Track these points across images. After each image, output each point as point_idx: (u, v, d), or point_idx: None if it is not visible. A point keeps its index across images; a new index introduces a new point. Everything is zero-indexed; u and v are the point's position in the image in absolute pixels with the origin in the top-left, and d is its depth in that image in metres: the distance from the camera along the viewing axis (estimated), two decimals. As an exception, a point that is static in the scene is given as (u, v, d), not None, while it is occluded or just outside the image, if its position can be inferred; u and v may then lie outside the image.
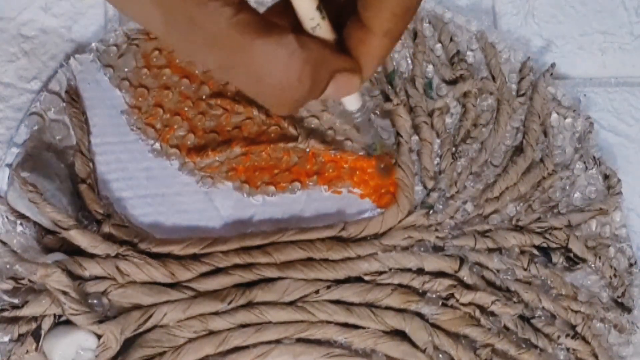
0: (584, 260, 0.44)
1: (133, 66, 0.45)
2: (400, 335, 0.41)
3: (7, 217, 0.41)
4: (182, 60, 0.46)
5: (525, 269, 0.43)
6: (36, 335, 0.38)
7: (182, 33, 0.24)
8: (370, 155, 0.39)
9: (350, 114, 0.33)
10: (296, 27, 0.25)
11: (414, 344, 0.41)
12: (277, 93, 0.25)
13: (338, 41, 0.27)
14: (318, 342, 0.41)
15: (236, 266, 0.41)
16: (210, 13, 0.23)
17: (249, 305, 0.40)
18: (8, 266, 0.40)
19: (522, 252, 0.44)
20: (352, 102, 0.32)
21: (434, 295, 0.42)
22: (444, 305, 0.42)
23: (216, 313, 0.40)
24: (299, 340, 0.40)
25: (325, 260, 0.42)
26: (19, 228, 0.41)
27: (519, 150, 0.46)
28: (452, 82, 0.47)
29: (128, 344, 0.39)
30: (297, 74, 0.25)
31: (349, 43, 0.27)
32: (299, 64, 0.24)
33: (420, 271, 0.43)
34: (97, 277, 0.40)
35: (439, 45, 0.48)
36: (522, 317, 0.42)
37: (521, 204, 0.45)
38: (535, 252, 0.44)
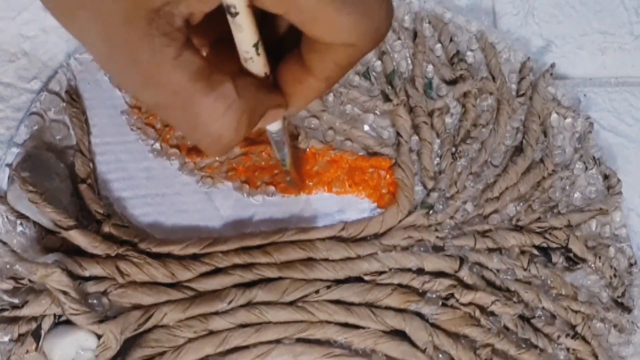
0: (584, 260, 0.44)
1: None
2: (400, 335, 0.41)
3: (7, 217, 0.41)
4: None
5: (525, 269, 0.43)
6: (36, 335, 0.38)
7: (123, 65, 0.23)
8: (283, 168, 0.41)
9: (274, 134, 0.34)
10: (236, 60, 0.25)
11: (414, 344, 0.41)
12: (212, 140, 0.25)
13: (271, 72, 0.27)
14: (318, 342, 0.41)
15: (236, 266, 0.41)
16: (154, 50, 0.22)
17: (249, 305, 0.40)
18: (8, 266, 0.40)
19: (522, 252, 0.44)
20: (272, 126, 0.33)
21: (434, 295, 0.42)
22: (444, 305, 0.42)
23: (216, 313, 0.40)
24: (299, 340, 0.40)
25: (325, 260, 0.42)
26: (19, 228, 0.41)
27: (519, 150, 0.46)
28: (452, 82, 0.47)
29: (128, 344, 0.39)
30: (234, 125, 0.25)
31: (284, 78, 0.27)
32: (236, 116, 0.24)
33: (420, 271, 0.43)
34: (97, 277, 0.40)
35: (439, 45, 0.48)
36: (522, 317, 0.42)
37: (521, 204, 0.45)
38: (535, 252, 0.44)
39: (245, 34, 0.24)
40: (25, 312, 0.39)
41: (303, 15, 0.23)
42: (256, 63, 0.25)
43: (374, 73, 0.47)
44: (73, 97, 0.44)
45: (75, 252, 0.40)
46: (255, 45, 0.25)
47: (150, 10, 0.22)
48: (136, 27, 0.22)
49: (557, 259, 0.44)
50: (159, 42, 0.22)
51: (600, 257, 0.44)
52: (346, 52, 0.25)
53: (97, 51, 0.24)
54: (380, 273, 0.42)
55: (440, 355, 0.41)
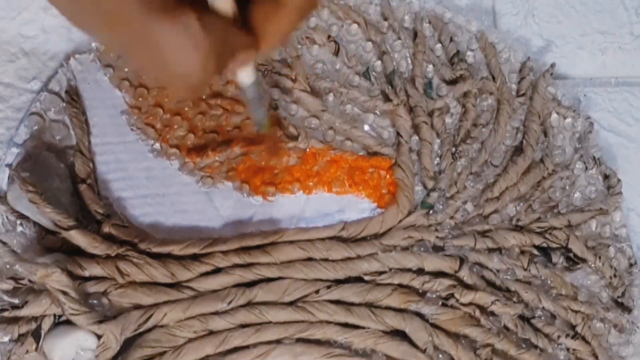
0: (584, 260, 0.44)
1: (133, 66, 0.46)
2: (400, 335, 0.41)
3: (7, 217, 0.41)
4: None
5: (525, 269, 0.43)
6: (36, 335, 0.38)
7: (85, 7, 0.23)
8: (259, 132, 0.40)
9: (249, 89, 0.33)
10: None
11: (414, 344, 0.41)
12: (181, 79, 0.25)
13: (240, 12, 0.26)
14: (318, 342, 0.41)
15: (236, 266, 0.41)
16: None
17: (249, 305, 0.40)
18: (8, 266, 0.40)
19: (522, 252, 0.44)
20: (246, 76, 0.32)
21: (434, 295, 0.42)
22: (444, 305, 0.42)
23: (216, 313, 0.40)
24: (299, 340, 0.40)
25: (325, 260, 0.42)
26: (19, 228, 0.41)
27: (519, 150, 0.46)
28: (452, 82, 0.47)
29: (128, 344, 0.39)
30: (201, 62, 0.24)
31: (254, 16, 0.27)
32: (203, 52, 0.24)
33: (420, 271, 0.43)
34: (97, 277, 0.40)
35: (439, 45, 0.48)
36: (522, 317, 0.42)
37: (521, 204, 0.45)
38: (535, 252, 0.44)
39: None
40: (25, 312, 0.39)
41: None
42: (223, 0, 0.25)
43: (374, 73, 0.47)
44: (73, 97, 0.44)
45: (75, 252, 0.40)
46: None
47: None
48: None
49: (557, 259, 0.44)
50: None
51: (600, 257, 0.44)
52: None
53: None
54: (380, 273, 0.42)
55: (440, 355, 0.41)
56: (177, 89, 0.26)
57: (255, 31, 0.27)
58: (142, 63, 0.25)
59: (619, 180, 0.46)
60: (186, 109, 0.45)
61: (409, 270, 0.42)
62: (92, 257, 0.40)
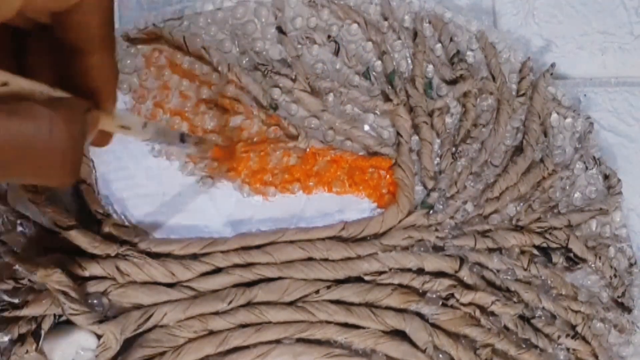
0: (584, 260, 0.44)
1: (133, 66, 0.45)
2: (400, 335, 0.41)
3: (7, 217, 0.41)
4: None
5: (525, 269, 0.43)
6: (36, 335, 0.38)
7: None
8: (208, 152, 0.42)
9: (154, 140, 0.34)
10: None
11: (414, 344, 0.41)
12: (61, 162, 0.24)
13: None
14: (318, 342, 0.41)
15: (236, 266, 0.41)
16: None
17: (249, 305, 0.40)
18: (8, 266, 0.40)
19: (522, 252, 0.44)
20: (140, 135, 0.32)
21: (434, 295, 0.42)
22: (444, 305, 0.42)
23: (216, 313, 0.40)
24: (299, 340, 0.40)
25: (325, 260, 0.42)
26: (19, 228, 0.41)
27: (519, 150, 0.46)
28: (452, 82, 0.47)
29: (128, 344, 0.39)
30: (66, 134, 0.24)
31: (77, 80, 0.26)
32: (62, 125, 0.24)
33: (420, 271, 0.43)
34: (97, 277, 0.40)
35: (439, 45, 0.48)
36: (522, 317, 0.42)
37: (521, 204, 0.45)
38: (535, 252, 0.44)
39: None
40: (25, 312, 0.39)
41: None
42: (14, 82, 0.24)
43: (374, 73, 0.47)
44: (73, 97, 0.44)
45: (75, 252, 0.40)
46: None
47: None
48: None
49: (557, 259, 0.44)
50: None
51: (600, 257, 0.44)
52: None
53: None
54: (380, 273, 0.42)
55: (440, 355, 0.41)
56: (61, 177, 0.25)
57: (91, 95, 0.27)
58: (15, 173, 0.24)
59: (619, 180, 0.46)
60: (186, 109, 0.45)
61: (409, 270, 0.42)
62: (92, 257, 0.40)
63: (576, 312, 0.42)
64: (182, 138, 0.38)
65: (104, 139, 0.31)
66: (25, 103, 0.23)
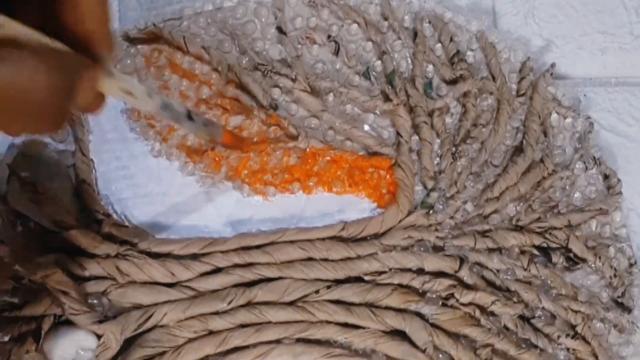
0: (584, 260, 0.44)
1: (133, 66, 0.45)
2: (400, 335, 0.41)
3: (7, 217, 0.41)
4: None
5: (525, 269, 0.43)
6: (36, 335, 0.38)
7: None
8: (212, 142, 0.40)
9: (160, 113, 0.32)
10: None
11: (414, 344, 0.41)
12: (34, 109, 0.24)
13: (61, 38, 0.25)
14: (318, 342, 0.41)
15: (236, 266, 0.41)
16: None
17: (249, 305, 0.40)
18: (8, 266, 0.40)
19: (522, 252, 0.44)
20: (142, 103, 0.31)
21: (434, 295, 0.42)
22: (444, 305, 0.42)
23: (216, 313, 0.40)
24: (299, 340, 0.40)
25: (325, 260, 0.42)
26: (19, 228, 0.41)
27: (519, 150, 0.46)
28: (452, 82, 0.47)
29: (128, 344, 0.39)
30: (48, 81, 0.24)
31: (70, 27, 0.26)
32: (45, 71, 0.23)
33: (420, 271, 0.43)
34: (97, 277, 0.40)
35: (439, 45, 0.48)
36: (522, 317, 0.42)
37: (521, 204, 0.45)
38: (535, 252, 0.44)
39: None
40: (25, 312, 0.39)
41: None
42: (6, 25, 0.24)
43: (374, 73, 0.47)
44: (73, 97, 0.44)
45: (75, 252, 0.40)
46: None
47: None
48: None
49: (557, 259, 0.44)
50: None
51: (600, 257, 0.44)
52: None
53: None
54: (380, 273, 0.42)
55: (440, 355, 0.41)
56: (37, 121, 0.25)
57: (85, 43, 0.26)
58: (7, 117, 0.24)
59: (619, 180, 0.46)
60: (186, 109, 0.45)
61: (409, 270, 0.42)
62: (92, 257, 0.40)
63: (576, 312, 0.42)
64: (190, 115, 0.35)
65: (95, 103, 0.29)
66: (14, 49, 0.23)
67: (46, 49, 0.25)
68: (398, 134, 0.46)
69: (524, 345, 0.41)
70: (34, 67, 0.23)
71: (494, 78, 0.47)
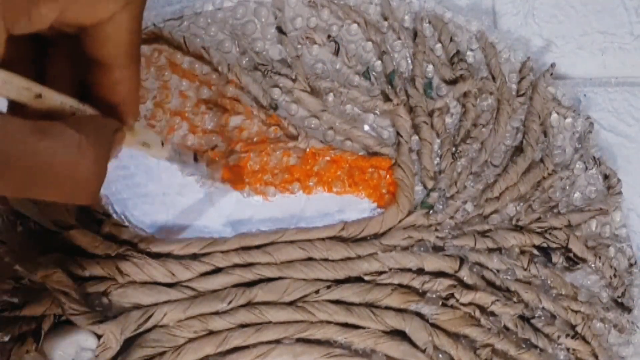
0: (584, 260, 0.44)
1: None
2: (400, 335, 0.41)
3: (7, 217, 0.41)
4: None
5: (525, 269, 0.43)
6: (36, 335, 0.38)
7: None
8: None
9: (170, 160, 0.35)
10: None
11: (414, 344, 0.41)
12: (83, 188, 0.24)
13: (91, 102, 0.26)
14: (318, 342, 0.41)
15: (236, 266, 0.41)
16: None
17: (249, 305, 0.40)
18: (8, 266, 0.40)
19: (522, 252, 0.44)
20: (157, 153, 0.33)
21: (434, 295, 0.42)
22: (444, 305, 0.42)
23: (216, 313, 0.40)
24: (299, 340, 0.40)
25: (325, 260, 0.42)
26: (19, 228, 0.41)
27: (519, 150, 0.46)
28: (452, 82, 0.47)
29: (128, 344, 0.39)
30: (93, 162, 0.24)
31: (99, 93, 0.26)
32: (90, 153, 0.24)
33: (420, 271, 0.43)
34: (97, 277, 0.40)
35: (439, 45, 0.48)
36: (522, 317, 0.42)
37: (521, 204, 0.45)
38: (535, 252, 0.44)
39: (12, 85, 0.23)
40: (25, 312, 0.39)
41: (80, 5, 0.23)
42: (47, 95, 0.25)
43: (374, 73, 0.47)
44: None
45: (75, 252, 0.40)
46: (29, 82, 0.24)
47: None
48: None
49: (557, 259, 0.44)
50: None
51: (600, 257, 0.44)
52: (129, 12, 0.24)
53: None
54: (380, 273, 0.42)
55: (440, 355, 0.41)
56: (83, 198, 0.25)
57: (111, 109, 0.27)
58: (45, 192, 0.24)
59: (619, 180, 0.46)
60: (186, 109, 0.45)
61: (409, 270, 0.42)
62: (92, 257, 0.40)
63: (576, 312, 0.42)
64: (195, 157, 0.39)
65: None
66: (57, 124, 0.23)
67: (86, 119, 0.25)
68: (398, 134, 0.46)
69: (524, 345, 0.41)
70: (79, 141, 0.24)
71: (494, 78, 0.47)
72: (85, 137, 0.24)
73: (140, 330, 0.39)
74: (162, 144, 0.33)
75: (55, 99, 0.25)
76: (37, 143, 0.22)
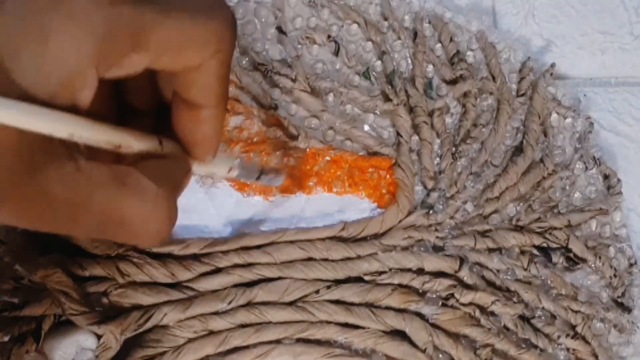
0: (584, 260, 0.44)
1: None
2: (400, 335, 0.41)
3: (7, 217, 0.41)
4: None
5: (525, 269, 0.43)
6: (36, 335, 0.38)
7: (37, 212, 0.22)
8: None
9: (236, 177, 0.33)
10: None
11: (414, 344, 0.41)
12: (153, 237, 0.25)
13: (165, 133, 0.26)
14: (318, 342, 0.41)
15: (236, 266, 0.41)
16: (57, 178, 0.21)
17: (249, 305, 0.40)
18: (8, 266, 0.40)
19: (522, 252, 0.44)
20: (220, 170, 0.31)
21: (434, 295, 0.42)
22: (444, 305, 0.42)
23: (216, 313, 0.40)
24: (299, 340, 0.40)
25: (325, 260, 0.42)
26: (19, 228, 0.41)
27: (519, 150, 0.46)
28: (452, 82, 0.47)
29: (128, 344, 0.39)
30: (166, 214, 0.24)
31: (181, 133, 0.26)
32: (165, 205, 0.24)
33: (420, 271, 0.43)
34: (97, 277, 0.40)
35: (439, 45, 0.48)
36: (522, 317, 0.42)
37: (521, 204, 0.45)
38: (535, 252, 0.44)
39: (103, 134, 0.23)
40: (25, 312, 0.39)
41: (167, 52, 0.23)
42: (125, 147, 0.24)
43: (374, 73, 0.47)
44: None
45: (75, 252, 0.40)
46: (113, 132, 0.24)
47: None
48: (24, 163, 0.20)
49: (557, 259, 0.44)
50: (55, 168, 0.21)
51: (600, 257, 0.44)
52: (219, 59, 0.24)
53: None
54: (380, 273, 0.42)
55: (440, 355, 0.41)
56: (151, 243, 0.26)
57: (189, 147, 0.27)
58: (114, 236, 0.24)
59: (619, 180, 0.46)
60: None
61: (409, 270, 0.42)
62: (92, 257, 0.40)
63: (576, 312, 0.42)
64: (262, 172, 0.37)
65: None
66: (133, 172, 0.23)
67: (161, 165, 0.25)
68: (398, 134, 0.46)
69: (524, 345, 0.41)
70: (155, 194, 0.24)
71: (494, 78, 0.47)
72: (161, 188, 0.24)
73: (140, 330, 0.39)
74: (230, 169, 0.32)
75: (134, 147, 0.25)
76: (115, 192, 0.23)
